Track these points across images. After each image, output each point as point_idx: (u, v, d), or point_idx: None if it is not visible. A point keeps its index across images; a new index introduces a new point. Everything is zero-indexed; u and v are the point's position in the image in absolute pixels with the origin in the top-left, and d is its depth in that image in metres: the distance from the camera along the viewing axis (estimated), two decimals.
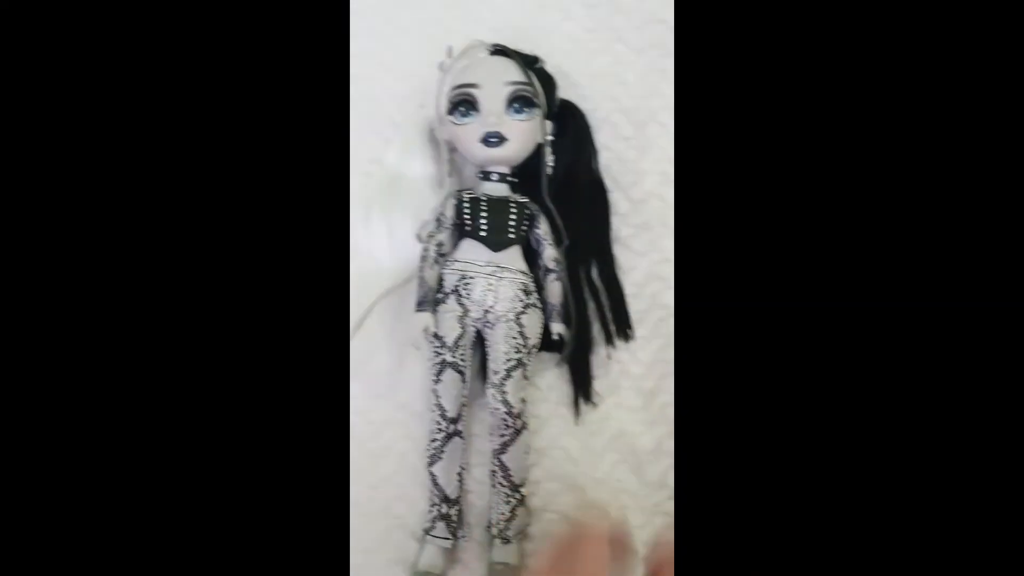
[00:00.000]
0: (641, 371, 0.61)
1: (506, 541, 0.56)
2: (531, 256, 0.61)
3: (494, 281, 0.57)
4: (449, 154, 0.63)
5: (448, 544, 0.56)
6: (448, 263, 0.59)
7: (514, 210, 0.59)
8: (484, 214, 0.58)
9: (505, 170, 0.61)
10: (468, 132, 0.59)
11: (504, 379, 0.56)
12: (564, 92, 0.64)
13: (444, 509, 0.56)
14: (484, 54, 0.61)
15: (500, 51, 0.61)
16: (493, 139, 0.58)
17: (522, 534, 0.57)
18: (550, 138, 0.61)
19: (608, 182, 0.65)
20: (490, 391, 0.56)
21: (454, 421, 0.56)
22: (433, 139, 0.64)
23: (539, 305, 0.59)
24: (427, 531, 0.56)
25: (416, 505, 0.59)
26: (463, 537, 0.57)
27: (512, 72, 0.59)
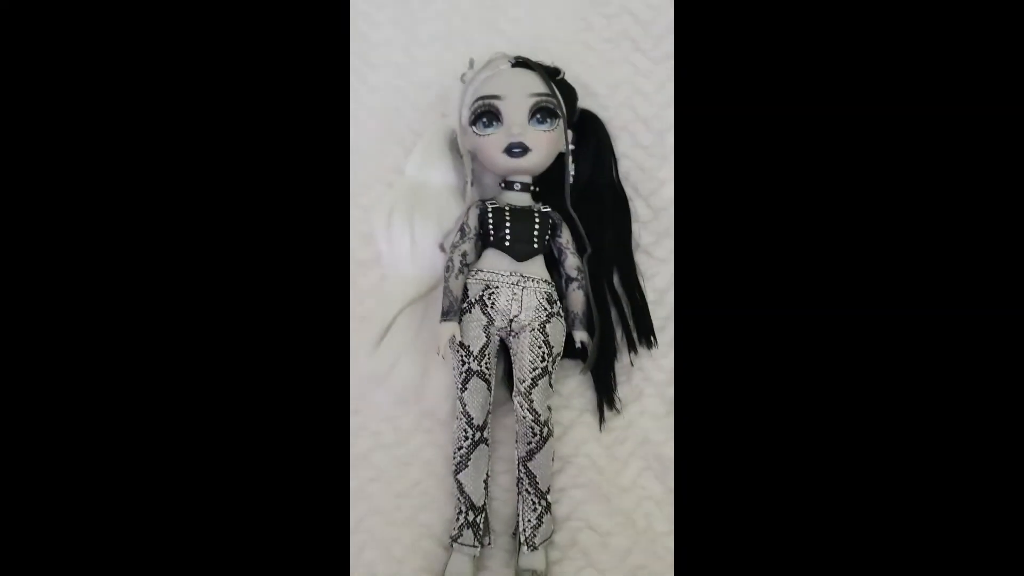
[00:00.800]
0: (664, 378, 0.62)
1: (533, 548, 0.56)
2: (552, 265, 0.62)
3: (518, 290, 0.58)
4: (471, 163, 0.63)
5: (475, 552, 0.56)
6: (472, 273, 0.59)
7: (538, 219, 0.60)
8: (508, 224, 0.59)
9: (527, 180, 0.61)
10: (491, 143, 0.60)
11: (531, 387, 0.57)
12: (583, 101, 0.65)
13: (471, 517, 0.56)
14: (506, 66, 0.62)
15: (522, 63, 0.62)
16: (517, 150, 0.59)
17: (548, 541, 0.57)
18: (571, 147, 0.62)
19: (628, 190, 0.65)
20: (517, 399, 0.57)
21: (480, 429, 0.57)
22: (455, 149, 0.64)
23: (562, 314, 0.59)
24: (454, 539, 0.56)
25: (443, 512, 0.59)
26: (490, 544, 0.58)
27: (535, 84, 0.60)
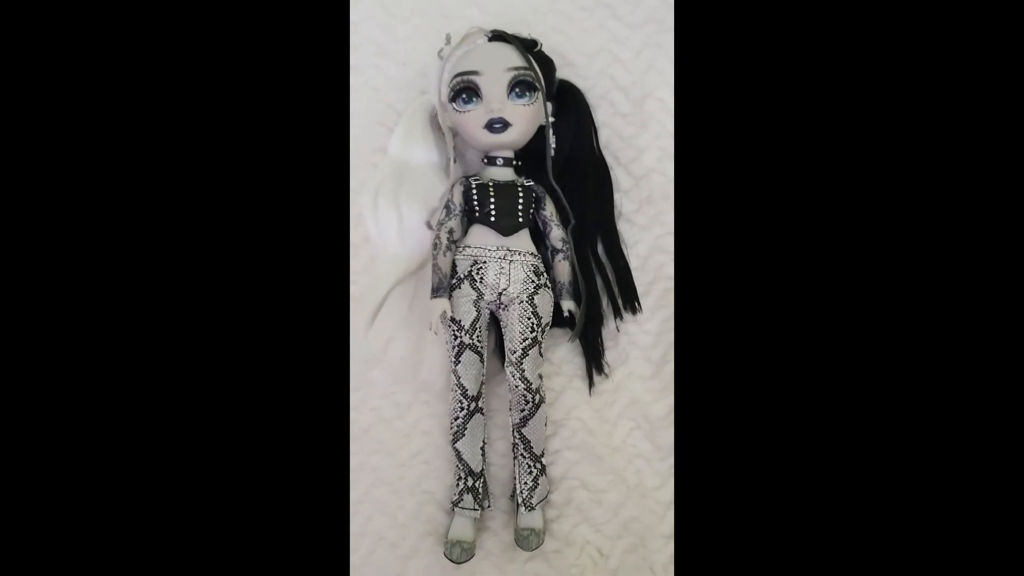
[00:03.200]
0: (649, 341, 0.64)
1: (530, 508, 0.59)
2: (538, 236, 0.63)
3: (506, 265, 0.59)
4: (453, 140, 0.64)
5: (476, 514, 0.59)
6: (460, 249, 0.61)
7: (521, 194, 0.61)
8: (492, 199, 0.60)
9: (509, 154, 0.62)
10: (471, 119, 0.60)
11: (521, 357, 0.59)
12: (561, 72, 0.66)
13: (470, 482, 0.59)
14: (483, 40, 0.62)
15: (499, 36, 0.62)
16: (497, 125, 0.59)
17: (545, 501, 0.60)
18: (551, 120, 0.63)
19: (609, 159, 0.66)
20: (509, 369, 0.59)
21: (475, 399, 0.59)
22: (436, 126, 0.65)
23: (549, 285, 0.61)
24: (455, 504, 0.59)
25: (443, 480, 0.62)
26: (489, 507, 0.61)
27: (512, 57, 0.60)
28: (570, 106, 0.65)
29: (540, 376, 0.60)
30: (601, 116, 0.67)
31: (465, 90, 0.60)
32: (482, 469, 0.60)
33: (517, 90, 0.60)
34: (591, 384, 0.63)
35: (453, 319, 0.59)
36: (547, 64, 0.63)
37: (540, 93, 0.61)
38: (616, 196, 0.66)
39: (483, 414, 0.60)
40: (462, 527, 0.59)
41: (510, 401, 0.60)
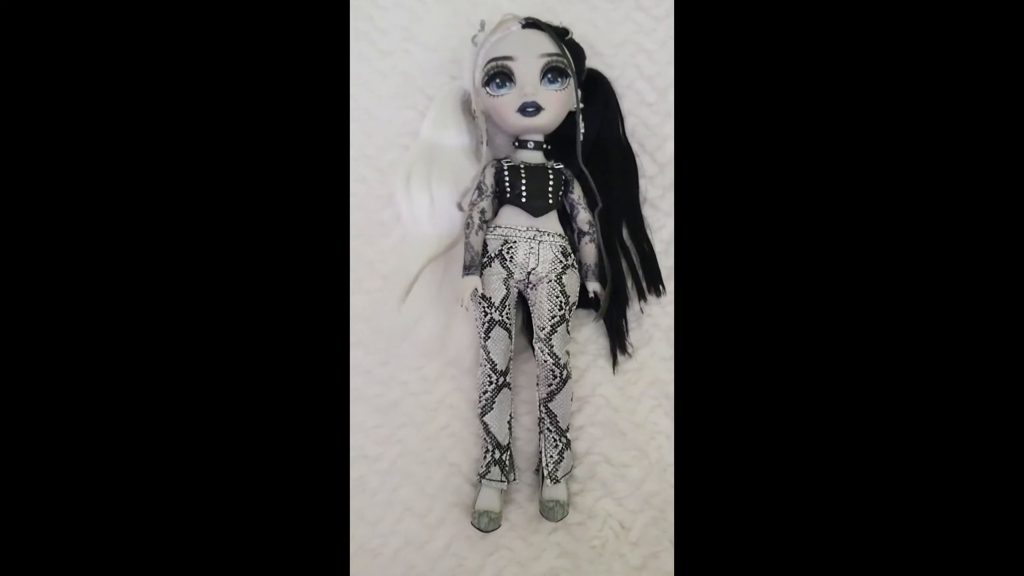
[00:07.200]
0: (671, 323, 0.66)
1: (555, 481, 0.61)
2: (564, 219, 0.65)
3: (535, 244, 0.61)
4: (485, 124, 0.65)
5: (503, 486, 0.61)
6: (491, 229, 0.62)
7: (551, 176, 0.63)
8: (524, 181, 0.62)
9: (540, 138, 0.64)
10: (505, 103, 0.62)
11: (550, 334, 0.61)
12: (588, 60, 0.67)
13: (497, 455, 0.61)
14: (517, 27, 0.64)
15: (532, 24, 0.64)
16: (530, 109, 0.61)
17: (569, 475, 0.62)
18: (581, 106, 0.65)
19: (635, 146, 0.68)
20: (537, 345, 0.61)
21: (503, 374, 0.61)
22: (468, 110, 0.67)
23: (576, 265, 0.63)
24: (483, 476, 0.61)
25: (470, 452, 0.64)
26: (515, 480, 0.63)
27: (545, 44, 0.62)
28: (598, 93, 0.67)
29: (567, 352, 0.62)
30: (627, 105, 0.69)
31: (499, 75, 0.62)
32: (509, 443, 0.62)
33: (550, 76, 0.62)
34: (615, 363, 0.65)
35: (483, 296, 0.61)
36: (578, 52, 0.65)
37: (571, 79, 0.63)
38: (641, 182, 0.68)
39: (510, 389, 0.62)
40: (489, 498, 0.61)
41: (537, 376, 0.62)
